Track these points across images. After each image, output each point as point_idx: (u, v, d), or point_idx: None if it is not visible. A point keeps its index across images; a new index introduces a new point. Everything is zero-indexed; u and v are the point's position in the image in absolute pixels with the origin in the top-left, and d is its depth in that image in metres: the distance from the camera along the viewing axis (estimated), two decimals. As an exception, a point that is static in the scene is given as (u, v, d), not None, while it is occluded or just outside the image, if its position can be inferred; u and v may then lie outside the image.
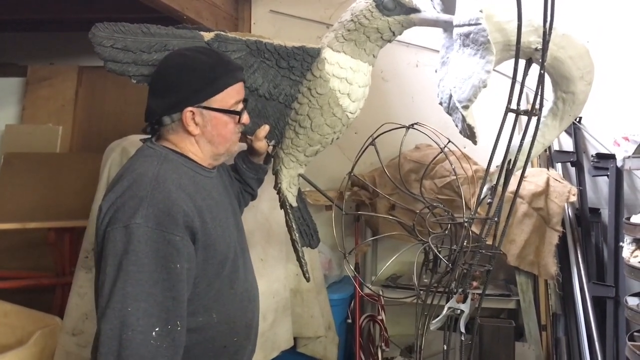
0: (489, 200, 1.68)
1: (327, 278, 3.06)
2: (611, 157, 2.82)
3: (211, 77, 1.39)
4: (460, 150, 1.57)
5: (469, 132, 1.58)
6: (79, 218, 3.05)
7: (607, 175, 2.84)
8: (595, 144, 3.01)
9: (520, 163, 1.65)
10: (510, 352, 2.60)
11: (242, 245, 1.56)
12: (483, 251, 1.64)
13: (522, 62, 1.58)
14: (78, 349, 2.21)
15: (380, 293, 2.93)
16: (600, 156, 2.86)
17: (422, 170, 2.83)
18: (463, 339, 1.59)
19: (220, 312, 1.42)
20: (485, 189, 1.69)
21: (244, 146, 1.78)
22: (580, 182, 2.94)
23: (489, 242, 1.70)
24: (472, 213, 1.61)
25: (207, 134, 1.42)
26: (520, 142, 1.60)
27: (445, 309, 1.61)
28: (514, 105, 1.55)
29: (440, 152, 1.54)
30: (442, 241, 1.76)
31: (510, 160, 1.62)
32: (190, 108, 1.38)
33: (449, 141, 1.54)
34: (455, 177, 2.72)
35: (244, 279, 1.52)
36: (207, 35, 1.59)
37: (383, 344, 2.94)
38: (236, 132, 1.49)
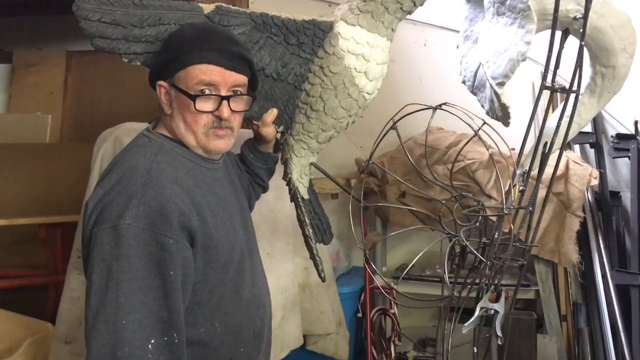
0: (521, 188, 1.53)
1: (336, 270, 2.91)
2: (632, 137, 2.70)
3: (179, 52, 1.25)
4: (495, 132, 1.41)
5: (503, 113, 1.41)
6: (72, 213, 2.91)
7: (629, 157, 2.71)
8: (615, 124, 2.88)
9: (556, 146, 1.50)
10: (532, 345, 2.49)
11: (249, 245, 1.41)
12: (517, 244, 1.49)
13: (557, 34, 1.43)
14: (72, 358, 2.05)
15: (393, 285, 2.78)
16: (620, 137, 2.75)
17: (434, 154, 2.70)
18: (500, 342, 1.44)
19: (224, 321, 1.28)
20: (517, 175, 1.54)
21: (250, 134, 1.62)
22: (600, 164, 2.82)
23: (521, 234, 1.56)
24: (512, 203, 1.45)
25: (176, 115, 1.28)
26: (558, 122, 1.45)
27: (478, 309, 1.46)
28: (549, 82, 1.41)
29: (475, 135, 1.38)
30: (469, 234, 1.61)
31: (546, 143, 1.47)
32: (160, 82, 1.28)
33: (484, 122, 1.38)
34: (470, 162, 2.58)
35: (252, 283, 1.37)
36: (207, 8, 1.43)
37: (396, 339, 2.81)
38: (202, 124, 1.26)
